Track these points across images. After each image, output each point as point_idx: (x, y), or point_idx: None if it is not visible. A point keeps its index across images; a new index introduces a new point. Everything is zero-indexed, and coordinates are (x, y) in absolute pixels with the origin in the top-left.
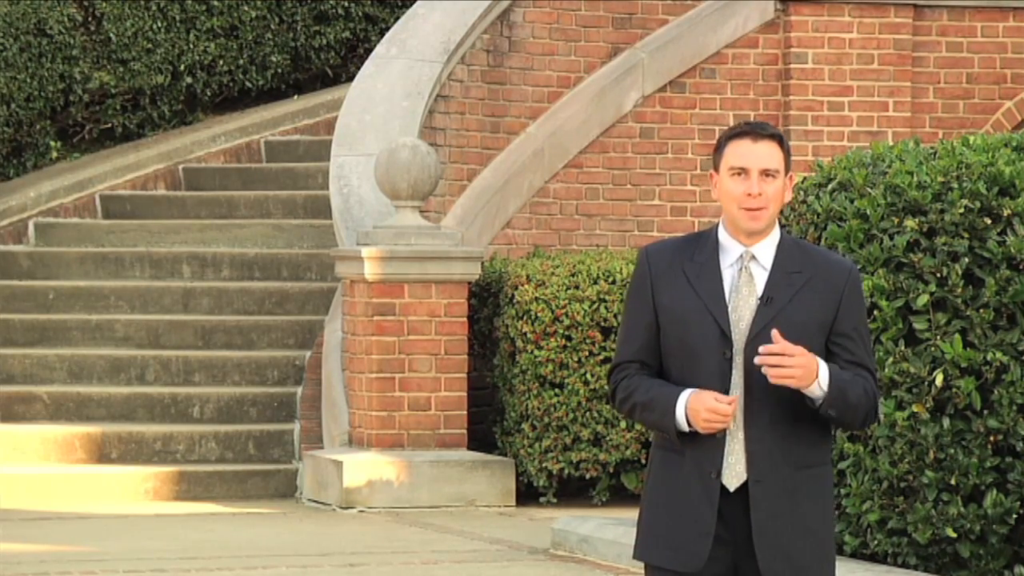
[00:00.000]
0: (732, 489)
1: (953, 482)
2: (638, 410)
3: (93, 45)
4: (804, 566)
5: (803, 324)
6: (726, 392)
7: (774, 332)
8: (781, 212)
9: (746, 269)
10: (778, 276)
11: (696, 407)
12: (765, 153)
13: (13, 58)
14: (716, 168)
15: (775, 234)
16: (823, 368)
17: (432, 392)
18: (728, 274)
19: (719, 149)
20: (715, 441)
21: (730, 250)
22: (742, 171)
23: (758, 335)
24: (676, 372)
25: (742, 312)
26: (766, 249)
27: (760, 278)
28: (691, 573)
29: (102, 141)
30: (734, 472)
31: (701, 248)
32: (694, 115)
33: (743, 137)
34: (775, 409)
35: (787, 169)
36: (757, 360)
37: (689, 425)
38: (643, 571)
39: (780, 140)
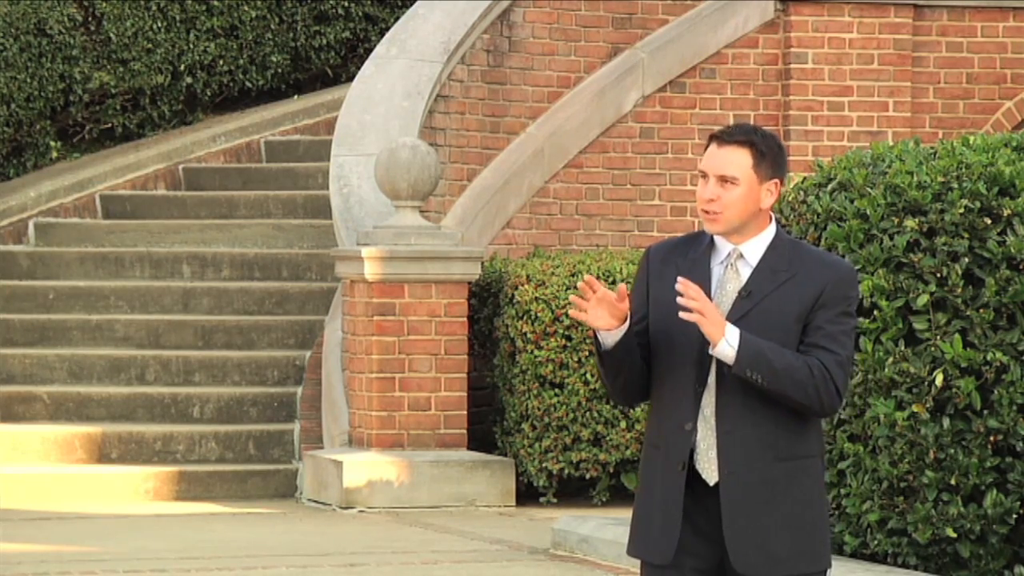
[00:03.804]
0: (712, 483)
1: (953, 482)
2: (599, 367)
3: (93, 45)
4: (781, 559)
5: (779, 317)
6: (703, 382)
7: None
8: (780, 212)
9: (732, 266)
10: (762, 272)
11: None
12: (726, 160)
13: (13, 58)
14: None
15: (767, 233)
16: (731, 328)
17: (432, 392)
18: (717, 271)
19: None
20: (684, 434)
21: (721, 248)
22: (704, 175)
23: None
24: (657, 361)
25: (724, 307)
26: (755, 248)
27: (745, 275)
28: (667, 565)
29: (102, 141)
30: (714, 465)
31: (696, 246)
32: (694, 115)
33: (713, 141)
34: (751, 400)
35: (767, 175)
36: (678, 287)
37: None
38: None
39: (751, 146)
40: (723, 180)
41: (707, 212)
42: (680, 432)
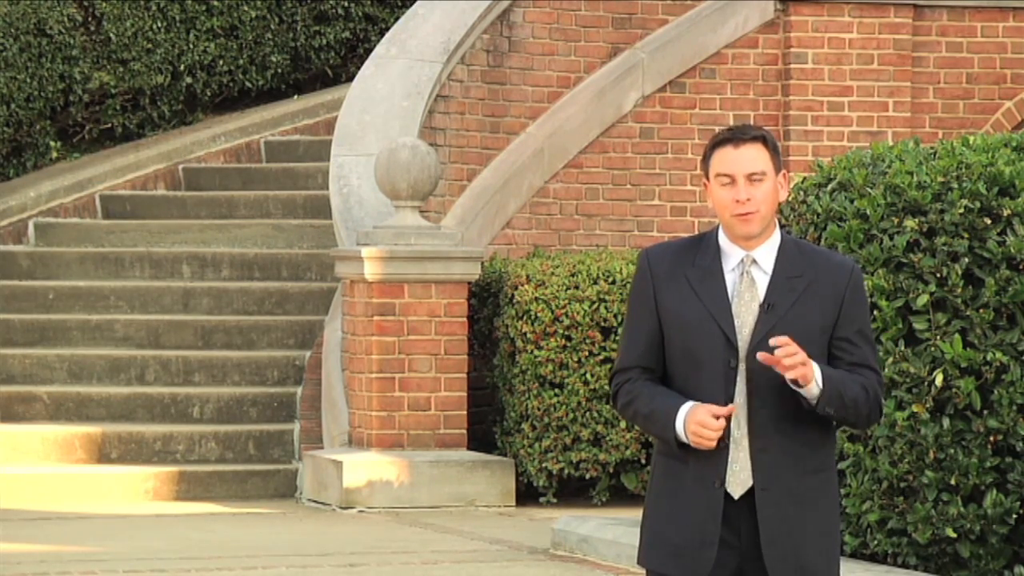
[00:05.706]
0: (737, 497)
1: (953, 482)
2: (640, 420)
3: (93, 45)
4: (813, 572)
5: (805, 329)
6: (731, 399)
7: (773, 340)
8: (780, 212)
9: (747, 274)
10: (779, 281)
11: (689, 423)
12: (749, 157)
13: (13, 58)
14: (706, 177)
15: (775, 237)
16: (815, 366)
17: (432, 392)
18: (730, 279)
19: (706, 159)
20: (718, 450)
21: (731, 255)
22: (729, 178)
23: (760, 342)
24: (680, 378)
25: (744, 318)
26: (767, 253)
27: (761, 283)
28: None
29: (102, 141)
30: (739, 480)
31: (703, 252)
32: (694, 115)
33: (725, 144)
34: (779, 416)
35: (778, 168)
36: (763, 357)
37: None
38: (644, 574)
39: (764, 140)
40: (751, 178)
41: (742, 215)
42: (715, 448)
